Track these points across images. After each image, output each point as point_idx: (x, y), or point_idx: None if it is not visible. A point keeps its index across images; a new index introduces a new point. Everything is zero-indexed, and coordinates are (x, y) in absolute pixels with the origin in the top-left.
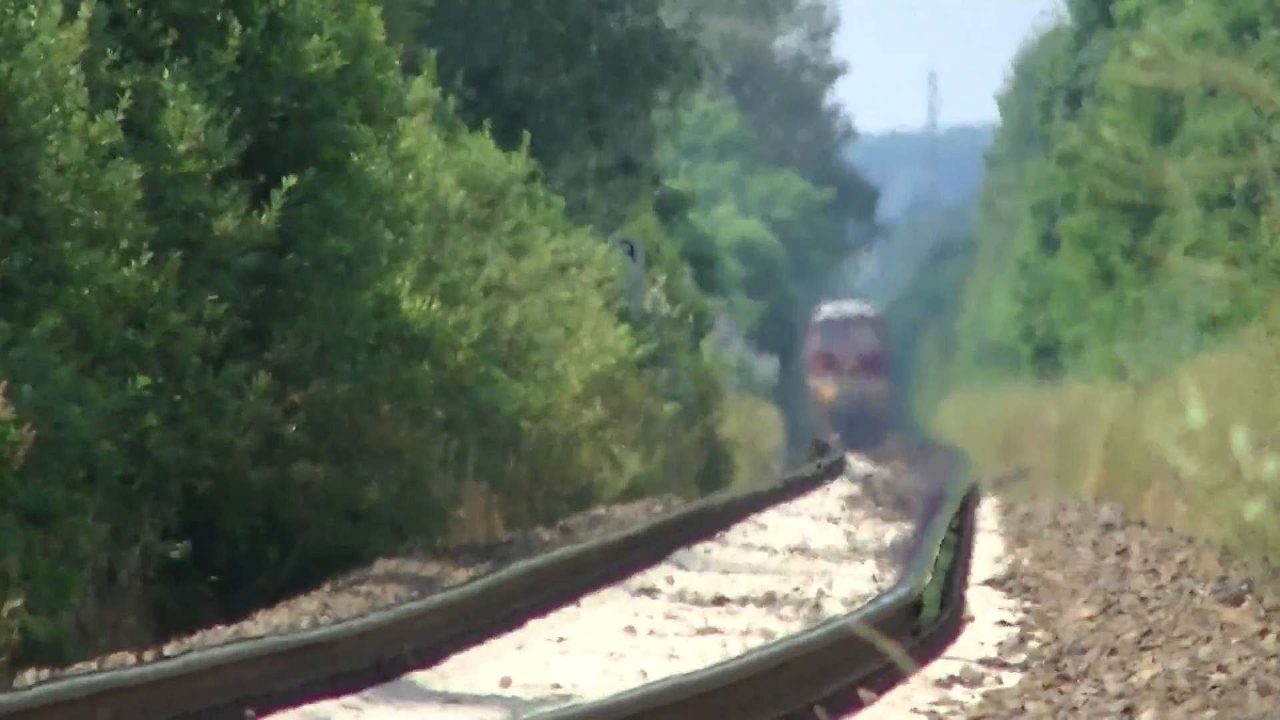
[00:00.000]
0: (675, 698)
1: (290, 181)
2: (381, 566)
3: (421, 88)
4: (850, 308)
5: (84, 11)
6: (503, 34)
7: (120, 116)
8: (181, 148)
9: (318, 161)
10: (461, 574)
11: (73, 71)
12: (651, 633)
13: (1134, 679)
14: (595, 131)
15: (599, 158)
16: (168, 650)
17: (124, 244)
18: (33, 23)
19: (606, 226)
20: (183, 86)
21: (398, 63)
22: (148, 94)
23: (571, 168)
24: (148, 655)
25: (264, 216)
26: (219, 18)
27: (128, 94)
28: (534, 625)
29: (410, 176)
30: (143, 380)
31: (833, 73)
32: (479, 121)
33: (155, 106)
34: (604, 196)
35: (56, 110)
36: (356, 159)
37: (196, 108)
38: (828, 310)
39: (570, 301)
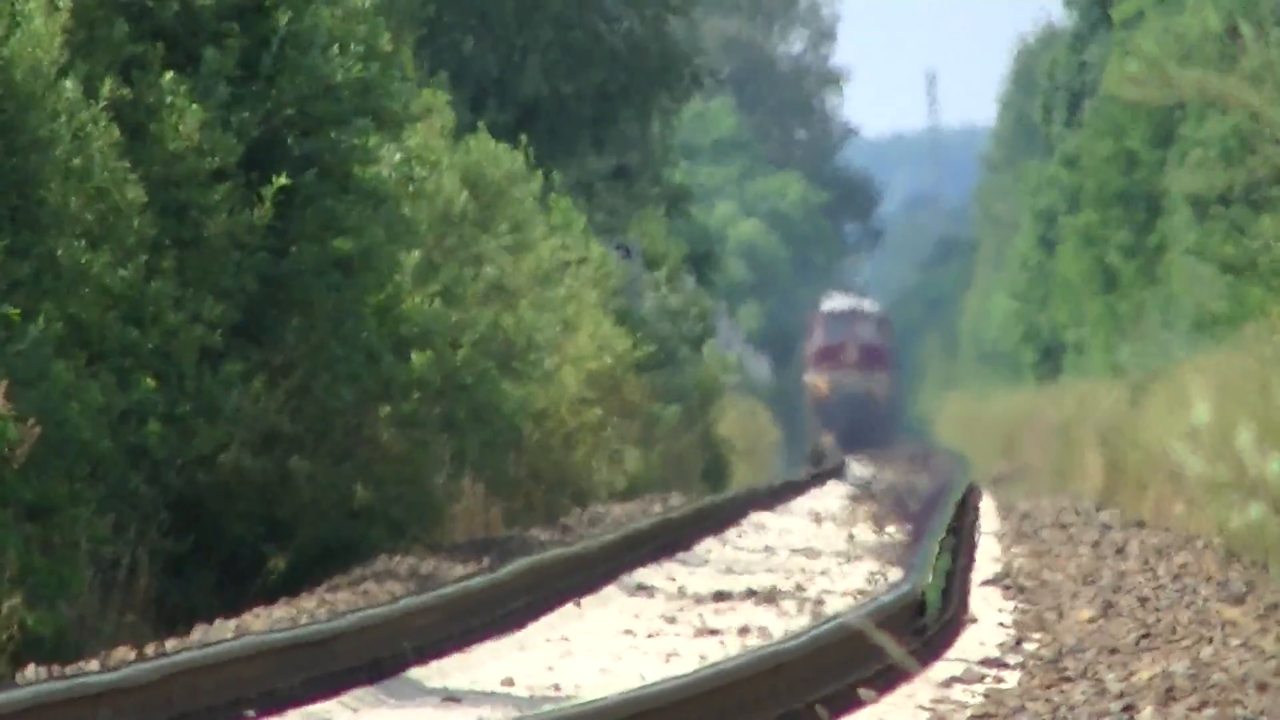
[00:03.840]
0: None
1: (280, 181)
2: (381, 563)
3: (428, 97)
4: (853, 301)
5: (64, 1)
6: (513, 40)
7: (102, 104)
8: (177, 145)
9: (320, 164)
10: (460, 571)
11: (60, 59)
12: (651, 636)
13: (1134, 678)
14: (599, 137)
15: (602, 163)
16: (168, 647)
17: (128, 242)
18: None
19: (609, 230)
20: (183, 88)
21: (401, 66)
22: (144, 89)
23: (575, 173)
24: (148, 651)
25: (255, 213)
26: (216, 29)
27: (107, 84)
28: (533, 625)
29: (411, 187)
30: (146, 385)
31: (833, 76)
32: (485, 125)
33: (150, 108)
34: (607, 200)
35: (62, 120)
36: (359, 166)
37: (193, 107)
38: (830, 303)
39: (567, 300)
